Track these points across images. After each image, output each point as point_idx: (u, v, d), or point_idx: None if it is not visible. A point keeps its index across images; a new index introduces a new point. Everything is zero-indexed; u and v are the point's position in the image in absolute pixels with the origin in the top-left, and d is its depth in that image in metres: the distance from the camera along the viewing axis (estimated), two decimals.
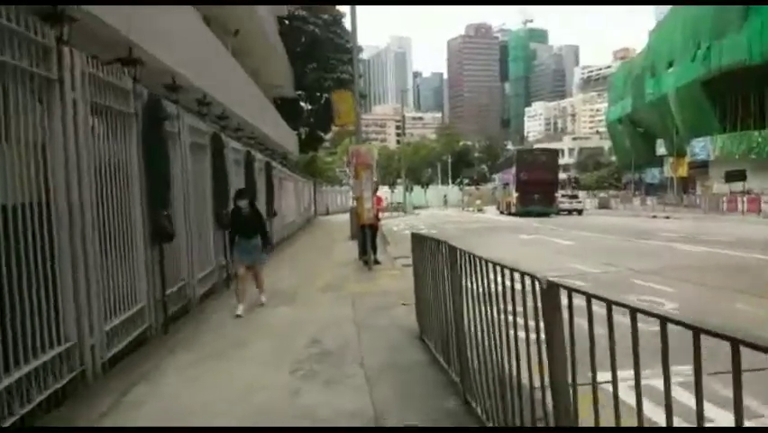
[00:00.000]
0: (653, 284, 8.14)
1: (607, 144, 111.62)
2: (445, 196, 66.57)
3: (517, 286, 2.50)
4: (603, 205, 46.88)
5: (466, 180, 77.12)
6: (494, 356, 2.98)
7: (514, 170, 36.77)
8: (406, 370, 4.54)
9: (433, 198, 65.52)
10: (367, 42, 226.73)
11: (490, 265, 2.90)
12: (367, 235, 10.97)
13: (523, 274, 2.34)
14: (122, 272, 5.29)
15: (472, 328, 3.43)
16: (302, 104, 34.97)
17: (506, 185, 40.60)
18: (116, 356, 4.89)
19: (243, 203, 7.26)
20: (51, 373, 3.89)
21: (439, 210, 55.97)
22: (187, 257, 7.45)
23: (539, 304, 2.17)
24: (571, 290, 1.93)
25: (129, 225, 5.57)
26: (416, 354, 4.96)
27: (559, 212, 36.41)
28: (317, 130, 35.91)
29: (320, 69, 32.17)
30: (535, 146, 71.96)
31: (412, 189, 56.09)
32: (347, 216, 22.62)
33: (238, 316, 6.82)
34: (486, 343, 3.13)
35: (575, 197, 40.92)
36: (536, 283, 2.19)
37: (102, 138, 5.02)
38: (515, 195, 36.08)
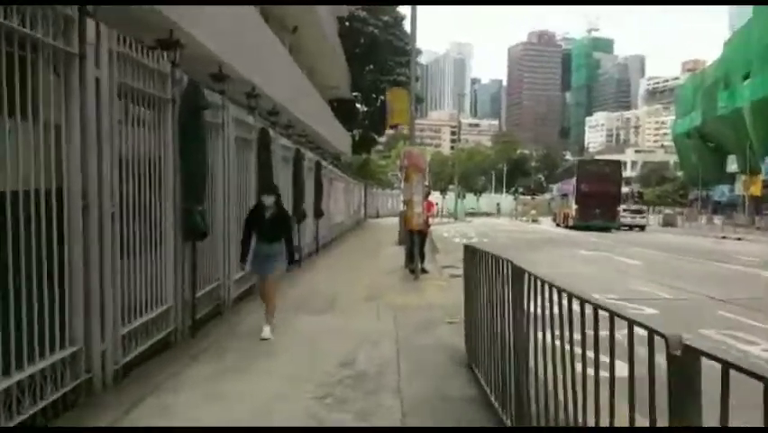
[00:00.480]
0: (744, 318, 7.07)
1: (672, 159, 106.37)
2: (498, 204, 64.91)
3: (618, 334, 1.79)
4: (668, 222, 44.17)
5: (521, 190, 74.97)
6: (567, 406, 2.29)
7: (574, 180, 35.08)
8: (451, 406, 3.86)
9: (485, 206, 63.99)
10: (426, 47, 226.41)
11: (575, 301, 2.19)
12: (415, 242, 10.32)
13: (635, 325, 1.64)
14: (147, 271, 4.88)
15: (540, 367, 2.74)
16: (357, 105, 34.75)
17: (564, 196, 38.87)
18: (133, 362, 4.47)
19: (269, 200, 5.97)
20: (51, 381, 3.47)
21: (491, 219, 54.55)
22: (223, 257, 7.03)
23: (661, 369, 1.46)
24: (726, 365, 1.21)
25: (158, 220, 5.17)
26: (463, 386, 4.27)
27: (620, 227, 34.54)
28: (371, 132, 35.60)
29: (377, 70, 31.86)
30: (597, 157, 68.93)
31: (464, 196, 54.93)
32: (396, 220, 22.08)
33: (264, 339, 5.58)
34: (560, 392, 2.43)
35: (639, 212, 38.62)
36: (655, 337, 1.49)
37: (131, 123, 4.63)
38: (574, 207, 34.41)
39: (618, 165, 37.38)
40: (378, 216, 43.89)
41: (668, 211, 48.71)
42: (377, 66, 31.46)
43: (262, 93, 9.81)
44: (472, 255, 4.62)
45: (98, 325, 3.95)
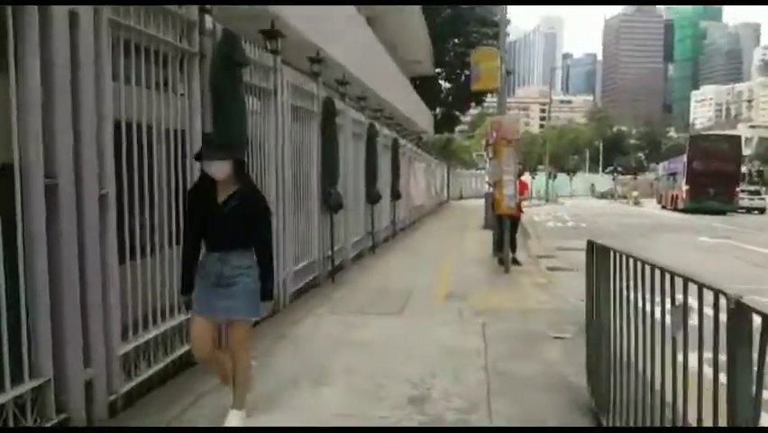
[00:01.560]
0: None
1: None
2: (593, 185, 60.39)
3: None
4: None
5: (620, 169, 69.33)
6: None
7: (685, 157, 31.17)
8: None
9: (579, 187, 59.77)
10: (514, 23, 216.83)
11: None
12: (505, 228, 8.77)
13: None
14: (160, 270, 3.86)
15: None
16: (440, 82, 32.97)
17: (672, 175, 34.84)
18: (140, 390, 3.47)
19: (220, 169, 3.01)
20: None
21: (586, 200, 50.71)
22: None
23: None
24: None
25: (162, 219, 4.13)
26: None
27: (737, 210, 30.37)
28: (455, 110, 33.72)
29: (462, 44, 29.83)
30: (713, 132, 61.70)
31: (555, 177, 51.39)
32: (481, 202, 20.47)
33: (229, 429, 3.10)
34: None
35: (757, 193, 33.99)
36: None
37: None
38: (684, 187, 30.58)
39: (738, 141, 32.84)
40: (461, 198, 42.12)
41: None
42: (461, 39, 29.45)
43: (329, 57, 8.59)
44: (603, 256, 3.12)
45: (77, 347, 2.93)
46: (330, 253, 7.61)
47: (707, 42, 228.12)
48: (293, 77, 6.60)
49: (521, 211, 9.40)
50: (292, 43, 6.83)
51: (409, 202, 16.18)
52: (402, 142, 14.52)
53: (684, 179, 30.88)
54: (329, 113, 7.73)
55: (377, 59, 16.21)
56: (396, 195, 12.70)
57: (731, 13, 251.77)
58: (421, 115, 26.01)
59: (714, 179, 28.87)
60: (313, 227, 7.25)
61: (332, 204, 7.42)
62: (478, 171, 55.06)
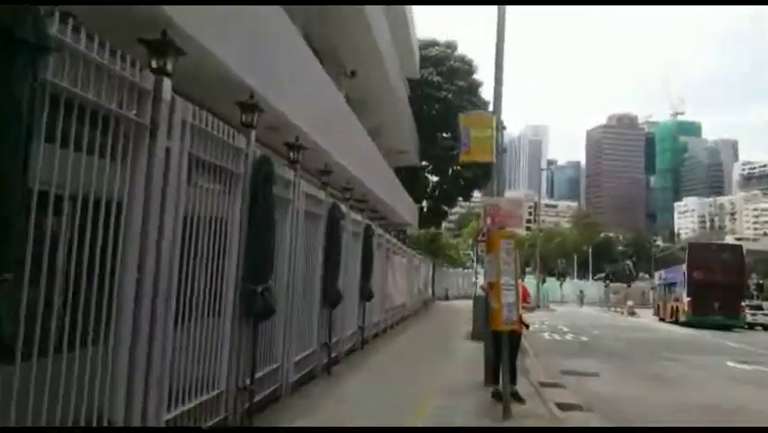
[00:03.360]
0: None
1: None
2: (581, 291, 58.19)
3: None
4: None
5: (610, 276, 67.42)
6: None
7: (685, 267, 29.41)
8: None
9: (569, 293, 57.44)
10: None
11: None
12: (503, 349, 6.39)
13: None
14: None
15: None
16: (427, 175, 31.78)
17: (671, 285, 32.90)
18: None
19: None
20: None
21: (576, 308, 48.19)
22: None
23: None
24: None
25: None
26: None
27: (745, 326, 28.21)
28: (442, 204, 32.22)
29: (451, 138, 28.96)
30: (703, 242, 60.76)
31: (544, 281, 49.19)
32: (468, 304, 18.10)
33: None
34: None
35: (760, 307, 32.07)
36: None
37: None
38: (686, 299, 28.52)
39: (741, 251, 31.21)
40: (447, 298, 39.57)
41: None
42: (450, 133, 28.61)
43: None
44: None
45: None
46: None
47: (687, 156, 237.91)
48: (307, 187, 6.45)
49: (524, 325, 6.99)
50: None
51: (386, 303, 13.75)
52: (378, 231, 12.39)
53: (685, 291, 28.92)
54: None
55: (355, 139, 14.58)
56: (366, 294, 10.32)
57: (709, 129, 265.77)
58: (405, 207, 24.27)
59: (718, 292, 26.96)
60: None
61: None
62: (465, 270, 52.98)
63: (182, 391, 3.89)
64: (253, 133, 4.91)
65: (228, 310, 4.58)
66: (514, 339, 6.73)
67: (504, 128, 7.67)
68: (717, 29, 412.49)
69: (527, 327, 7.21)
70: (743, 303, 28.60)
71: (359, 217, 10.28)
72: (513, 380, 6.69)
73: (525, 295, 7.48)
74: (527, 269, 48.92)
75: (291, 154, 6.39)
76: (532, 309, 7.93)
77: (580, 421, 6.31)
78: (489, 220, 6.72)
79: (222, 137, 4.35)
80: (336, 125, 11.42)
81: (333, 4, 11.99)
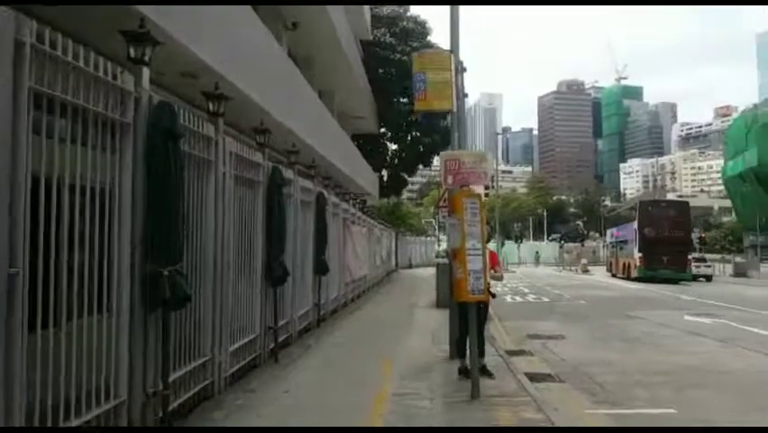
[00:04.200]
0: None
1: (717, 204, 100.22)
2: (537, 252, 59.32)
3: None
4: (740, 271, 38.10)
5: (563, 237, 69.03)
6: None
7: (635, 225, 30.04)
8: None
9: (527, 255, 58.45)
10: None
11: None
12: (470, 322, 5.85)
13: None
14: None
15: None
16: (386, 143, 30.96)
17: (622, 243, 33.70)
18: None
19: None
20: None
21: (533, 268, 49.09)
22: None
23: None
24: None
25: None
26: None
27: (694, 278, 29.33)
28: (402, 172, 31.56)
29: (409, 102, 28.14)
30: (661, 198, 62.66)
31: (503, 244, 49.77)
32: (432, 271, 17.62)
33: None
34: None
35: (703, 260, 33.44)
36: None
37: None
38: (637, 255, 29.26)
39: (687, 207, 32.07)
40: (410, 267, 39.36)
41: (739, 259, 42.47)
42: (407, 97, 27.76)
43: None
44: None
45: None
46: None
47: (630, 119, 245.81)
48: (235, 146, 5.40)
49: (491, 294, 6.45)
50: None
51: (344, 276, 13.09)
52: (333, 199, 11.63)
53: (636, 247, 29.64)
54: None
55: (307, 103, 13.61)
56: (321, 268, 9.60)
57: (650, 93, 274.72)
58: (364, 175, 23.49)
59: (667, 247, 27.85)
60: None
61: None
62: (428, 239, 52.95)
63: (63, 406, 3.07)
64: (146, 72, 3.97)
65: (123, 302, 3.74)
66: (481, 309, 6.21)
67: (464, 69, 6.88)
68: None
69: (494, 295, 6.66)
70: (690, 257, 29.67)
71: (309, 185, 9.48)
72: (481, 353, 6.20)
73: (495, 261, 6.84)
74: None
75: (210, 105, 5.48)
76: (500, 278, 7.29)
77: (556, 395, 5.89)
78: (450, 178, 6.03)
79: (95, 72, 3.39)
80: (274, 79, 10.41)
81: None
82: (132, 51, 3.93)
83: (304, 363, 7.11)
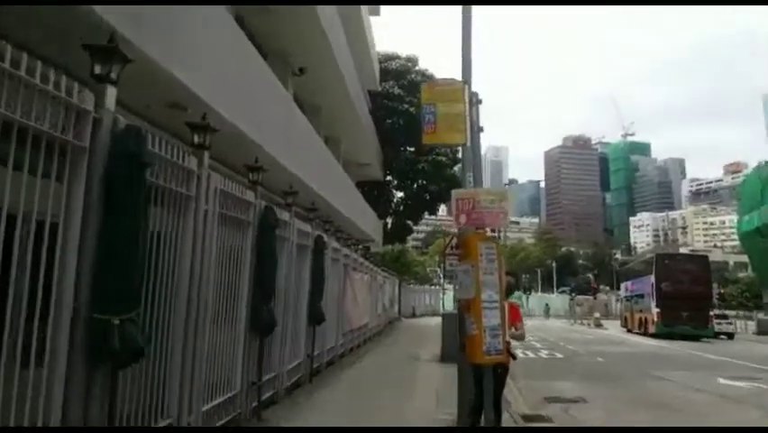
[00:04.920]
0: None
1: (731, 259, 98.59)
2: (547, 305, 57.60)
3: None
4: (763, 330, 36.45)
5: (573, 289, 67.40)
6: None
7: (652, 279, 28.90)
8: None
9: (536, 307, 56.75)
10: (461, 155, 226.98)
11: None
12: (486, 389, 4.93)
13: None
14: None
15: None
16: (392, 190, 30.51)
17: (638, 297, 32.43)
18: None
19: None
20: None
21: (543, 320, 47.42)
22: None
23: None
24: None
25: None
26: None
27: (716, 335, 27.97)
28: (407, 220, 30.91)
29: (414, 151, 27.90)
30: (679, 252, 61.24)
31: (511, 294, 48.23)
32: (436, 321, 16.57)
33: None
34: None
35: (724, 316, 32.08)
36: None
37: None
38: (655, 310, 28.00)
39: (707, 261, 30.96)
40: (414, 316, 38.07)
41: (762, 316, 40.80)
42: (413, 146, 27.44)
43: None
44: None
45: None
46: None
47: (639, 174, 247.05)
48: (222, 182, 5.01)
49: (511, 356, 5.49)
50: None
51: (343, 325, 12.15)
52: (333, 244, 10.85)
53: (654, 302, 28.41)
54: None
55: (312, 150, 13.09)
56: (316, 317, 8.71)
57: (657, 150, 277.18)
58: (368, 221, 22.82)
59: (687, 302, 26.63)
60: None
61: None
62: (432, 288, 51.66)
63: None
64: (112, 92, 3.38)
65: (60, 354, 2.96)
66: (499, 373, 5.28)
67: (480, 102, 6.22)
68: (660, 59, 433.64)
69: (514, 357, 5.71)
70: (712, 313, 28.37)
71: (307, 228, 8.73)
72: (498, 417, 5.24)
73: (516, 317, 5.79)
74: None
75: (195, 137, 4.85)
76: (522, 337, 6.14)
77: None
78: (462, 218, 5.26)
79: (41, 85, 2.78)
80: (273, 116, 9.87)
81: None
82: (96, 68, 3.40)
83: (290, 425, 6.15)
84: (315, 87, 14.73)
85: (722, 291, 46.83)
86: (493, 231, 7.20)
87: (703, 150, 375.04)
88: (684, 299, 26.67)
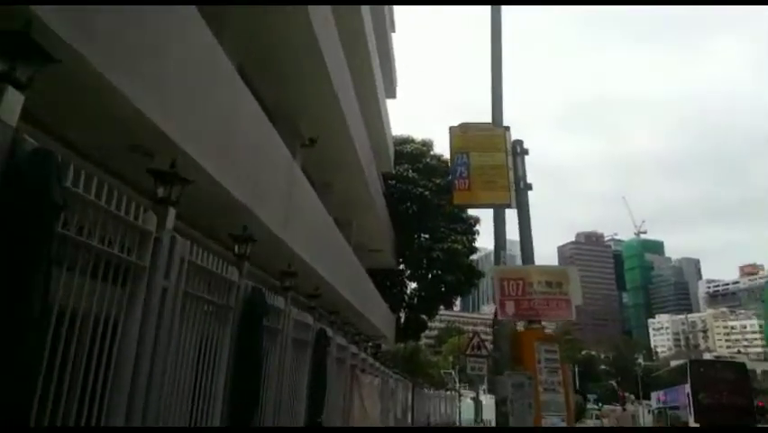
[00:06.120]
0: None
1: (758, 367, 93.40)
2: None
3: None
4: None
5: (596, 399, 62.55)
6: None
7: (688, 388, 26.26)
8: None
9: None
10: (480, 243, 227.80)
11: None
12: None
13: None
14: None
15: None
16: (405, 280, 28.93)
17: (672, 408, 29.46)
18: None
19: None
20: None
21: None
22: None
23: None
24: None
25: None
26: None
27: None
28: (421, 314, 29.00)
29: (429, 238, 26.72)
30: (673, 363, 57.34)
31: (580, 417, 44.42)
32: None
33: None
34: None
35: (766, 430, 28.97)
36: None
37: None
38: (693, 424, 25.13)
39: (745, 369, 28.38)
40: (429, 425, 34.77)
41: None
42: (428, 232, 26.31)
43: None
44: None
45: None
46: None
47: (654, 273, 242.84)
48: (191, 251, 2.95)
49: None
50: None
51: None
52: (339, 341, 9.29)
53: (692, 416, 25.57)
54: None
55: (317, 222, 11.92)
56: (317, 420, 6.98)
57: (671, 248, 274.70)
58: (380, 315, 21.09)
59: (726, 415, 23.97)
60: None
61: None
62: (447, 393, 48.15)
63: None
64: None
65: None
66: None
67: (526, 152, 4.92)
68: (663, 164, 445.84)
69: None
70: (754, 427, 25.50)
71: (308, 319, 7.26)
72: None
73: None
74: None
75: (160, 190, 3.63)
76: None
77: None
78: (510, 307, 3.81)
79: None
80: (272, 180, 8.67)
81: None
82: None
83: None
84: (326, 161, 13.87)
85: (761, 403, 42.92)
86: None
87: (713, 251, 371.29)
88: (724, 410, 24.12)
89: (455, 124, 4.98)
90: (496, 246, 5.07)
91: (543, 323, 4.27)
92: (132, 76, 4.17)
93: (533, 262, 4.63)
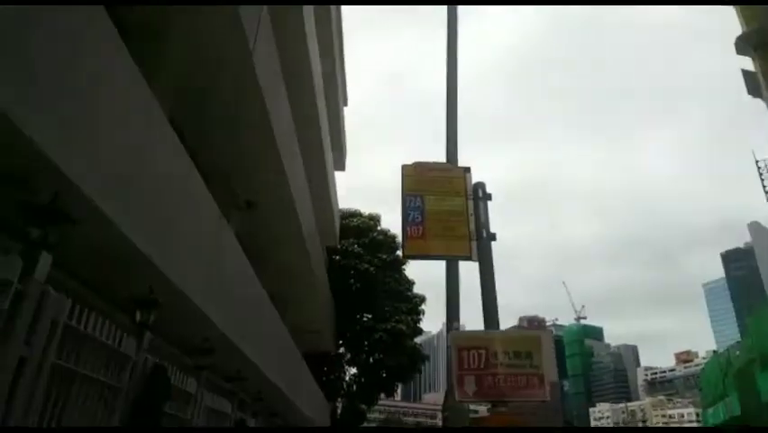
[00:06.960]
0: None
1: None
2: None
3: None
4: None
5: None
6: None
7: None
8: None
9: None
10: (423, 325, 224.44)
11: None
12: None
13: None
14: None
15: None
16: (344, 365, 27.01)
17: None
18: None
19: None
20: None
21: None
22: None
23: None
24: None
25: None
26: None
27: None
28: (359, 402, 26.91)
29: (372, 318, 25.37)
30: None
31: None
32: None
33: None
34: None
35: None
36: None
37: None
38: None
39: None
40: None
41: None
42: (371, 311, 24.99)
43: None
44: None
45: None
46: None
47: (594, 360, 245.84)
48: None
49: None
50: None
51: None
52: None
53: None
54: None
55: (246, 292, 10.57)
56: None
57: (610, 334, 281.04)
58: (313, 404, 19.13)
59: None
60: None
61: None
62: None
63: None
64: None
65: None
66: None
67: (489, 197, 4.08)
68: (602, 253, 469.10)
69: None
70: None
71: (225, 406, 5.88)
72: None
73: None
74: None
75: (33, 230, 2.55)
76: None
77: None
78: (469, 385, 2.79)
79: None
80: (190, 235, 7.37)
81: None
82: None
83: None
84: (266, 230, 12.74)
85: None
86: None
87: (648, 337, 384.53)
88: None
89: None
90: (448, 307, 4.11)
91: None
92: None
93: (497, 326, 3.65)
